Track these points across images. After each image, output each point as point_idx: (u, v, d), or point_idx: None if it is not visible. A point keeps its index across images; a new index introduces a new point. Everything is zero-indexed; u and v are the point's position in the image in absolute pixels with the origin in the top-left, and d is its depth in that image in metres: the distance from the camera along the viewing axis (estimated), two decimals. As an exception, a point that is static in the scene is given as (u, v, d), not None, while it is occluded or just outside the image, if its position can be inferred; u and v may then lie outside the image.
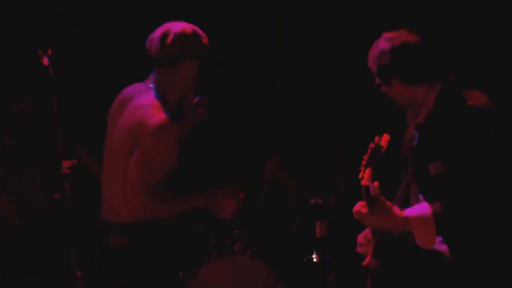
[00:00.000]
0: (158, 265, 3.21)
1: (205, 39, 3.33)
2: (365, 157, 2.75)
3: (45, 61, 2.75)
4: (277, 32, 6.01)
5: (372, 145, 2.76)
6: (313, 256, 5.21)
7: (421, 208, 2.76)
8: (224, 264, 4.98)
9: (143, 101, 3.20)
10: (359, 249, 3.09)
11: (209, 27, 3.46)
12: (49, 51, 2.71)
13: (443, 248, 2.78)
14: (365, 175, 2.71)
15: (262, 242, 5.22)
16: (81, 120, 4.82)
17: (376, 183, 2.73)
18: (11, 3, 5.29)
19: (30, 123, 4.83)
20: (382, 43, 2.93)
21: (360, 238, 3.10)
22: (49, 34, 4.89)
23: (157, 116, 3.13)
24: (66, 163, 2.49)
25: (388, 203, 2.77)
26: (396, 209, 2.76)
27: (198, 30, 3.32)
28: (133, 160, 3.09)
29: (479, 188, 2.70)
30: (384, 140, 2.77)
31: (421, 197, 2.92)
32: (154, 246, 3.20)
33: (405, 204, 2.95)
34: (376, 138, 2.78)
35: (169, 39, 3.24)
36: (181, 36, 3.24)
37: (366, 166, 2.72)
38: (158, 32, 3.28)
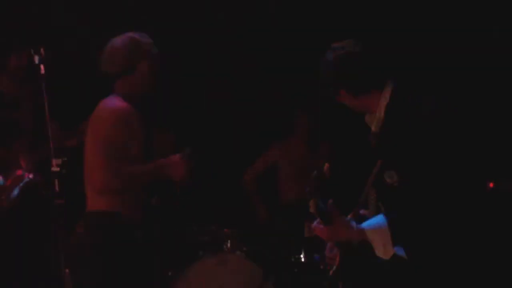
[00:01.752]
0: (106, 255, 3.28)
1: (146, 41, 3.60)
2: (310, 188, 2.79)
3: (36, 59, 2.76)
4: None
5: (315, 175, 2.79)
6: (301, 256, 5.24)
7: (377, 220, 2.76)
8: (213, 262, 5.00)
9: (106, 100, 3.52)
10: (328, 262, 3.14)
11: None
12: (41, 51, 2.74)
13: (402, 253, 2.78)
14: (311, 205, 2.77)
15: (251, 241, 5.25)
16: (72, 118, 4.86)
17: (330, 201, 2.78)
18: (7, 2, 5.32)
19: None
20: (328, 55, 2.95)
21: (327, 252, 3.15)
22: (42, 33, 4.91)
23: (112, 104, 3.45)
24: (56, 161, 2.52)
25: (343, 217, 2.79)
26: (352, 223, 2.78)
27: (136, 36, 3.59)
28: (92, 144, 3.34)
29: (431, 196, 2.69)
30: (326, 169, 2.81)
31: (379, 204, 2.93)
32: (103, 234, 3.30)
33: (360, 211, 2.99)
34: (319, 170, 2.81)
35: (116, 55, 3.54)
36: (125, 49, 3.53)
37: (312, 196, 2.78)
38: (104, 52, 3.57)
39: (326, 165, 2.78)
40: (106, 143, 3.33)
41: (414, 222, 2.72)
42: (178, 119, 5.84)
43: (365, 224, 2.77)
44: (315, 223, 2.87)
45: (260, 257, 5.13)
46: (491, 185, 4.85)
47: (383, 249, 2.73)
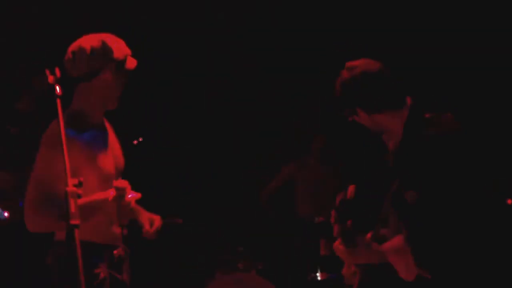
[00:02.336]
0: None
1: (119, 48, 3.16)
2: (336, 213, 2.77)
3: (51, 79, 2.75)
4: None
5: (341, 199, 2.78)
6: (317, 274, 5.21)
7: (398, 241, 2.74)
8: (228, 281, 4.99)
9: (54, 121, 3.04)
10: (346, 282, 3.12)
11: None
12: (57, 71, 2.73)
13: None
14: (336, 229, 2.76)
15: (266, 259, 5.23)
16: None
17: (349, 222, 2.76)
18: (24, 22, 5.35)
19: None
20: (344, 74, 2.93)
21: (345, 270, 3.13)
22: (58, 54, 4.93)
23: (50, 131, 3.03)
24: (72, 181, 2.50)
25: (365, 239, 2.78)
26: (374, 245, 2.77)
27: (110, 41, 3.15)
28: None
29: (454, 216, 2.68)
30: (350, 192, 2.79)
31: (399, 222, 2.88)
32: (64, 265, 3.00)
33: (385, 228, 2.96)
34: (343, 193, 2.80)
35: (77, 56, 3.12)
36: (88, 51, 3.11)
37: (337, 221, 2.76)
38: (69, 50, 3.15)
39: (351, 188, 2.76)
40: (39, 169, 2.99)
41: (437, 242, 2.69)
42: (178, 121, 5.85)
43: (386, 246, 2.75)
44: (336, 243, 2.85)
45: (276, 276, 5.10)
46: (509, 201, 4.80)
47: (406, 271, 2.70)
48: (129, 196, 2.99)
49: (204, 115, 6.14)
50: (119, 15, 5.63)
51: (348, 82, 2.90)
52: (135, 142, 5.28)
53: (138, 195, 3.02)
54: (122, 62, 3.16)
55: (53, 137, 2.94)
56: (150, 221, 3.38)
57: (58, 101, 2.58)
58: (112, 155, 3.25)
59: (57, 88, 2.62)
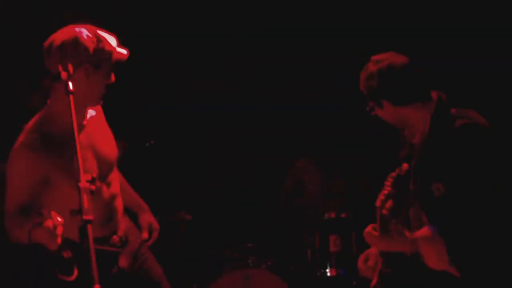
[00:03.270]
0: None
1: (94, 45, 2.88)
2: (388, 187, 2.76)
3: (64, 76, 2.75)
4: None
5: (394, 174, 2.78)
6: (327, 270, 5.21)
7: (430, 230, 2.75)
8: (237, 277, 4.99)
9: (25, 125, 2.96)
10: (361, 274, 3.10)
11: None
12: (70, 67, 2.73)
13: (451, 268, 2.76)
14: (386, 206, 2.75)
15: (275, 255, 5.23)
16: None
17: (388, 205, 2.76)
18: (35, 19, 5.36)
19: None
20: (370, 66, 2.95)
21: (360, 264, 3.11)
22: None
23: (16, 142, 2.89)
24: (85, 177, 2.51)
25: (400, 226, 2.79)
26: (407, 232, 2.78)
27: (86, 35, 2.88)
28: None
29: (481, 207, 2.69)
30: (404, 169, 2.79)
31: (423, 216, 2.91)
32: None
33: (405, 223, 2.95)
34: (397, 169, 2.80)
35: (51, 53, 2.88)
36: (59, 50, 2.86)
37: (389, 197, 2.75)
38: (44, 44, 2.92)
39: (405, 166, 2.76)
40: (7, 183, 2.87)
41: (464, 235, 2.70)
42: (186, 115, 5.87)
43: (419, 234, 2.75)
44: (369, 229, 2.84)
45: (285, 272, 5.11)
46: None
47: (437, 259, 2.70)
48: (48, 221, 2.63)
49: (213, 110, 6.15)
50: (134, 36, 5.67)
51: (375, 74, 2.91)
52: (147, 144, 5.26)
53: (61, 221, 2.65)
54: (99, 59, 2.89)
55: (21, 148, 2.84)
56: (149, 229, 3.33)
57: (71, 97, 2.59)
58: (96, 155, 3.08)
59: (70, 84, 2.63)
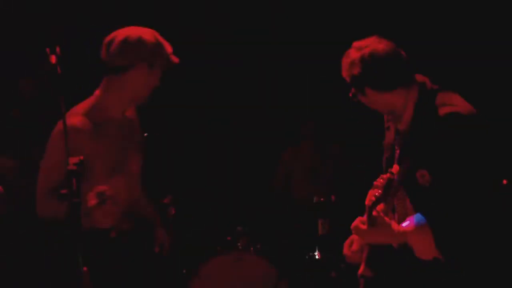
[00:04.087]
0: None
1: (154, 47, 3.07)
2: (379, 190, 2.73)
3: (53, 59, 2.76)
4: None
5: (387, 176, 2.74)
6: (316, 253, 5.25)
7: (417, 220, 2.72)
8: (227, 260, 5.01)
9: (74, 107, 3.10)
10: (348, 260, 3.08)
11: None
12: (58, 50, 2.74)
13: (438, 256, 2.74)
14: (378, 209, 2.74)
15: (265, 239, 5.26)
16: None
17: (381, 206, 2.75)
18: (25, 2, 5.34)
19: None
20: (352, 53, 2.88)
21: (346, 249, 3.07)
22: (58, 32, 4.94)
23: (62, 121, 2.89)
24: (73, 160, 2.53)
25: (387, 219, 2.76)
26: (394, 225, 2.75)
27: (147, 37, 3.07)
28: None
29: (467, 194, 2.67)
30: (396, 171, 2.76)
31: (408, 203, 2.89)
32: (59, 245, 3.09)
33: (391, 211, 2.94)
34: (390, 171, 2.76)
35: (112, 47, 3.04)
36: (123, 45, 3.03)
37: (380, 200, 2.74)
38: (106, 39, 3.09)
39: (396, 167, 2.73)
40: (45, 159, 3.03)
41: (451, 224, 2.69)
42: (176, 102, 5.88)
43: (405, 225, 2.72)
44: (356, 223, 2.82)
45: (275, 255, 5.14)
46: (504, 182, 4.83)
47: (425, 249, 2.69)
48: (112, 200, 2.88)
49: (203, 97, 6.17)
50: (127, 16, 5.65)
51: (357, 61, 2.85)
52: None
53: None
54: (156, 61, 3.06)
55: (70, 128, 2.85)
56: (161, 244, 3.39)
57: (59, 81, 2.61)
58: (131, 149, 3.21)
59: (59, 68, 2.64)
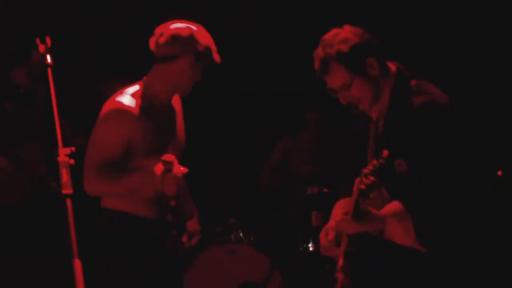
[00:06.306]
0: (117, 255, 3.25)
1: (202, 42, 3.27)
2: (371, 177, 2.71)
3: (42, 49, 2.74)
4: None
5: (376, 163, 2.71)
6: (309, 245, 5.24)
7: (396, 206, 2.71)
8: (220, 252, 5.01)
9: (114, 95, 3.27)
10: (323, 252, 3.01)
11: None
12: (47, 40, 2.71)
13: (417, 243, 2.72)
14: (372, 196, 2.73)
15: (258, 231, 5.25)
16: (78, 110, 4.84)
17: (373, 195, 2.74)
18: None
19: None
20: (322, 49, 2.82)
21: (323, 239, 3.00)
22: (48, 22, 4.89)
23: (114, 99, 3.21)
24: (64, 151, 2.49)
25: (366, 205, 2.73)
26: (373, 210, 2.73)
27: (196, 32, 3.27)
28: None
29: (445, 183, 2.66)
30: (385, 157, 2.73)
31: (384, 192, 2.86)
32: (113, 234, 3.25)
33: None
34: (380, 157, 2.73)
35: (162, 38, 3.25)
36: (173, 36, 3.24)
37: (372, 187, 2.72)
38: (157, 29, 3.30)
39: (385, 152, 2.69)
40: (91, 145, 3.19)
41: (428, 211, 2.68)
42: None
43: (385, 211, 2.72)
44: (338, 218, 2.80)
45: (268, 247, 5.13)
46: (499, 173, 4.84)
47: (404, 235, 2.68)
48: (176, 169, 3.06)
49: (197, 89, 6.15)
50: (119, 8, 5.62)
51: (328, 58, 2.81)
52: None
53: (185, 170, 3.11)
54: (202, 55, 3.25)
55: (123, 109, 3.14)
56: (190, 234, 3.54)
57: (49, 70, 2.58)
58: (170, 135, 3.36)
59: (48, 57, 2.62)
